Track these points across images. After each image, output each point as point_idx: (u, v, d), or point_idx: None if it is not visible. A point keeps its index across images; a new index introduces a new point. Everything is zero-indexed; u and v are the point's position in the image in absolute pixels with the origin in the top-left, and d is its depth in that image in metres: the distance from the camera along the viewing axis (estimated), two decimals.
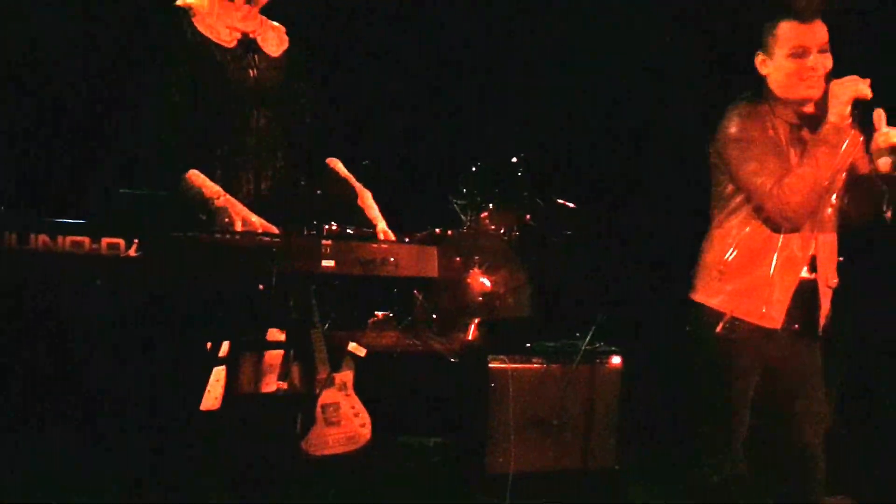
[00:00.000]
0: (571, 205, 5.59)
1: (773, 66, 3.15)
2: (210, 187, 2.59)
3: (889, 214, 3.06)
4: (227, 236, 2.35)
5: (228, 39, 2.73)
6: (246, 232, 2.47)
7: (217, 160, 2.69)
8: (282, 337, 2.76)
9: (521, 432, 4.52)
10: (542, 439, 4.55)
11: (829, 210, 3.20)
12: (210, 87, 2.67)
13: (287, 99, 2.81)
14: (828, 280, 3.21)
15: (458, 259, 5.26)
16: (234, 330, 2.52)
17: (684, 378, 3.37)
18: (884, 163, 2.94)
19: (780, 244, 3.14)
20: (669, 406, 4.37)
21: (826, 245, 3.22)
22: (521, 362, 4.62)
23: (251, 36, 2.76)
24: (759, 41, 3.21)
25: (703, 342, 3.24)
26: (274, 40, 2.82)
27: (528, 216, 5.41)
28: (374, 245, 2.43)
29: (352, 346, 3.91)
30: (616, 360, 4.76)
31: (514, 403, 4.53)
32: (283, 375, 2.75)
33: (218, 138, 2.70)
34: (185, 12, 2.71)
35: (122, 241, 2.22)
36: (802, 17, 3.08)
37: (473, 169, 5.36)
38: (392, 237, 2.69)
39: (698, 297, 3.27)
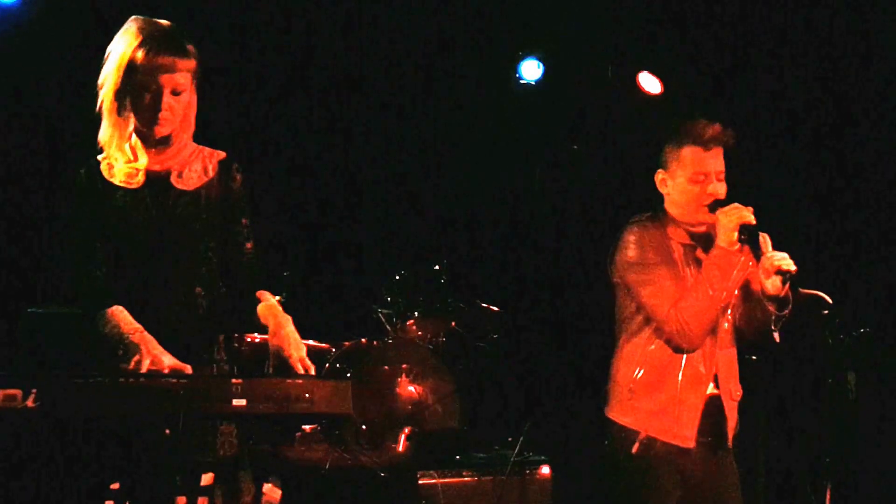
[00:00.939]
0: (496, 308, 5.63)
1: (674, 188, 3.26)
2: (129, 324, 2.58)
3: (777, 336, 3.14)
4: (131, 380, 2.28)
5: (132, 181, 2.72)
6: (151, 373, 2.41)
7: (132, 295, 2.67)
8: (209, 480, 2.65)
9: None
10: None
11: (727, 325, 3.29)
12: (118, 228, 2.72)
13: (210, 232, 2.78)
14: (731, 394, 3.28)
15: (385, 368, 5.29)
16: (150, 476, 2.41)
17: (608, 495, 3.39)
18: (772, 284, 3.05)
19: (683, 363, 3.20)
20: None
21: (726, 360, 3.30)
22: (451, 476, 4.54)
23: (163, 174, 2.76)
24: (657, 160, 3.29)
25: (621, 459, 3.25)
26: (193, 174, 2.80)
27: (453, 322, 5.46)
28: (289, 381, 2.36)
29: (266, 487, 3.80)
30: (545, 469, 4.72)
31: None
32: None
33: (133, 275, 2.71)
34: (97, 164, 2.76)
35: (19, 392, 2.14)
36: (707, 144, 3.20)
37: (397, 277, 5.36)
38: (311, 367, 2.62)
39: (612, 414, 3.31)
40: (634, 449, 3.18)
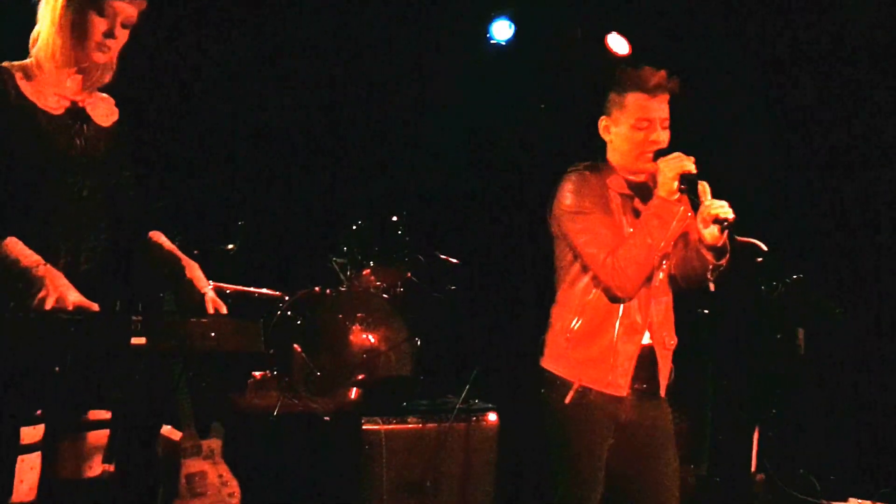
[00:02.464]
0: (454, 260, 5.63)
1: (617, 134, 3.25)
2: (28, 256, 2.46)
3: (712, 286, 3.15)
4: (19, 314, 2.26)
5: (55, 106, 2.64)
6: (45, 311, 2.35)
7: (35, 228, 2.55)
8: (106, 416, 2.66)
9: (394, 497, 4.45)
10: (416, 501, 4.48)
11: (661, 275, 3.28)
12: (31, 152, 2.56)
13: (113, 171, 2.74)
14: (665, 343, 3.28)
15: (339, 317, 5.30)
16: (47, 413, 2.42)
17: (541, 445, 3.40)
18: (710, 233, 3.05)
19: (620, 312, 3.21)
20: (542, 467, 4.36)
21: (661, 309, 3.29)
22: (395, 423, 4.56)
23: (80, 105, 2.69)
24: (601, 107, 3.28)
25: (555, 408, 3.26)
26: (104, 110, 2.75)
27: (409, 273, 5.47)
28: (192, 320, 2.36)
29: (165, 429, 3.83)
30: (492, 416, 4.73)
31: (387, 466, 4.46)
32: (110, 457, 2.64)
33: (38, 206, 2.58)
34: (10, 74, 2.61)
35: None
36: (652, 91, 3.18)
37: (353, 227, 5.36)
38: (222, 306, 2.62)
39: (548, 364, 3.31)
40: (568, 399, 3.20)
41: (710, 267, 3.10)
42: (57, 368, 2.22)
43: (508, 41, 6.03)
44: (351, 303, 5.20)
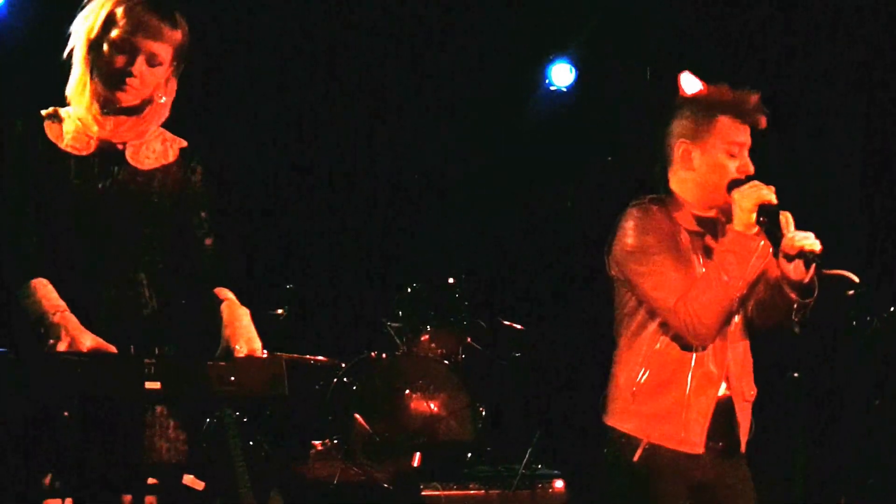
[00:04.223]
0: (518, 326, 5.52)
1: (703, 161, 2.93)
2: (51, 300, 2.36)
3: (798, 328, 2.89)
4: (31, 356, 2.15)
5: (82, 147, 2.55)
6: (53, 353, 2.23)
7: (62, 273, 2.44)
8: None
9: None
10: None
11: (737, 318, 2.98)
12: (55, 191, 2.48)
13: (159, 219, 2.63)
14: (744, 394, 2.97)
15: (396, 383, 5.19)
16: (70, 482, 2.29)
17: None
18: (794, 269, 2.74)
19: (693, 362, 2.88)
20: None
21: (738, 358, 2.97)
22: (456, 489, 4.39)
23: (117, 146, 2.60)
24: (667, 132, 3.02)
25: (622, 470, 2.93)
26: (152, 153, 2.64)
27: (469, 338, 5.34)
28: (210, 363, 2.24)
29: (187, 479, 3.69)
30: (559, 484, 4.52)
31: None
32: None
33: (64, 251, 2.47)
34: (39, 118, 2.55)
35: None
36: (744, 115, 2.89)
37: (409, 290, 5.27)
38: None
39: (612, 421, 2.98)
40: (636, 457, 2.86)
41: (796, 307, 2.79)
42: (66, 413, 2.11)
43: (569, 86, 5.83)
44: (409, 368, 5.10)
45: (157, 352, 2.20)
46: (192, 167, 2.66)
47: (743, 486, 2.99)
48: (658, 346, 2.91)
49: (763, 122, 2.93)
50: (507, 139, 5.97)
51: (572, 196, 5.99)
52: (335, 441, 4.94)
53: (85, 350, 2.24)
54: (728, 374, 2.92)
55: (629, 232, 2.93)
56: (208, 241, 2.66)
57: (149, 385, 2.11)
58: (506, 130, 5.96)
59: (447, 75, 5.77)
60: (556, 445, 4.79)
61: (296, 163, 5.66)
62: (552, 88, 5.88)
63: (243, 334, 2.46)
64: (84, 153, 2.54)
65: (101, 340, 2.29)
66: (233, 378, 2.21)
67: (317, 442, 5.00)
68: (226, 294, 2.58)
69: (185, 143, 2.69)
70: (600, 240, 5.51)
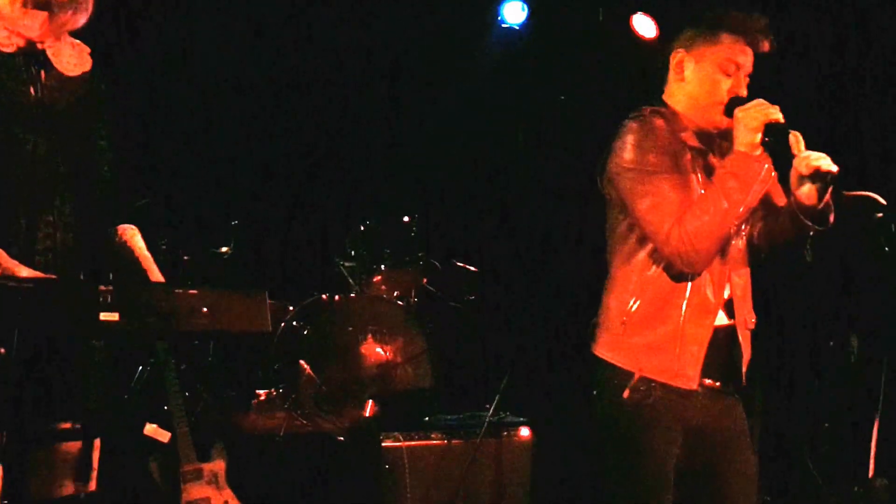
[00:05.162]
0: (473, 268, 5.26)
1: (696, 73, 2.73)
2: None
3: (810, 256, 2.65)
4: None
5: (6, 43, 2.22)
6: None
7: None
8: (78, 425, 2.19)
9: None
10: None
11: (741, 243, 2.77)
12: None
13: (79, 133, 2.29)
14: (746, 322, 2.77)
15: (349, 327, 4.89)
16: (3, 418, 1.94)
17: (595, 451, 2.84)
18: (806, 193, 2.54)
19: (689, 290, 2.68)
20: (585, 483, 3.88)
21: (740, 284, 2.78)
22: (418, 439, 4.09)
23: (39, 47, 2.26)
24: (669, 44, 2.80)
25: (611, 404, 2.72)
26: (71, 58, 2.32)
27: (424, 280, 5.07)
28: (179, 291, 1.86)
29: (149, 428, 3.33)
30: (525, 431, 4.25)
31: (410, 487, 3.99)
32: (84, 474, 2.15)
33: None
34: None
35: None
36: (750, 38, 2.69)
37: (362, 228, 4.93)
38: None
39: (601, 351, 2.77)
40: (625, 394, 2.66)
41: (811, 234, 2.58)
42: (2, 350, 1.73)
43: (522, 24, 5.55)
44: (362, 311, 4.79)
45: (112, 277, 1.83)
46: (102, 75, 2.43)
47: (739, 427, 2.78)
48: (651, 272, 2.68)
49: (766, 46, 2.72)
50: (459, 77, 5.69)
51: (523, 135, 5.72)
52: (280, 390, 4.63)
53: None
54: (731, 302, 2.71)
55: (627, 147, 2.68)
56: (106, 168, 2.41)
57: (105, 316, 1.73)
58: (459, 69, 5.68)
59: (397, 16, 5.43)
60: (519, 391, 4.50)
61: (246, 95, 5.26)
62: (504, 26, 5.59)
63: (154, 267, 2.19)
64: (7, 49, 2.25)
65: (36, 273, 1.93)
66: (205, 310, 1.84)
67: (261, 392, 4.68)
68: (133, 236, 2.30)
69: (89, 50, 2.43)
70: (553, 180, 5.21)
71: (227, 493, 3.96)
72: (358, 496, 4.13)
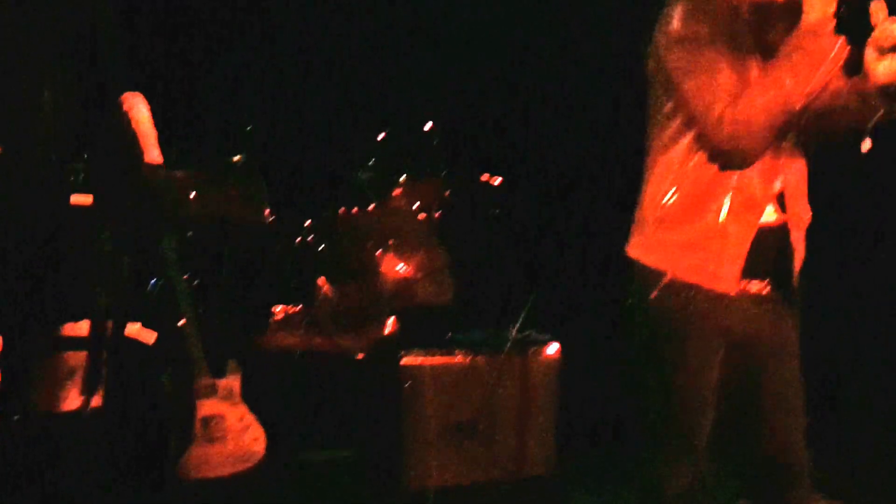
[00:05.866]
0: (498, 180, 4.97)
1: None
2: None
3: (868, 144, 2.37)
4: None
5: None
6: None
7: None
8: (83, 332, 2.00)
9: (443, 439, 3.84)
10: (467, 446, 3.87)
11: (796, 131, 2.48)
12: None
13: None
14: (800, 219, 2.51)
15: (368, 242, 4.73)
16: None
17: (626, 366, 2.62)
18: (885, 69, 2.20)
19: (734, 182, 2.40)
20: (617, 401, 3.70)
21: (794, 176, 2.50)
22: (439, 356, 3.92)
23: None
24: None
25: (642, 315, 2.49)
26: None
27: (447, 193, 4.81)
28: (166, 172, 1.65)
29: (132, 328, 3.15)
30: (552, 348, 4.08)
31: (432, 406, 3.84)
32: (90, 387, 1.98)
33: None
34: None
35: None
36: None
37: (380, 137, 4.69)
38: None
39: (635, 251, 2.52)
40: (653, 294, 2.42)
41: (879, 116, 2.27)
42: None
43: None
44: (381, 225, 4.61)
45: (85, 156, 1.62)
46: None
47: (788, 338, 2.53)
48: (693, 161, 2.40)
49: None
50: None
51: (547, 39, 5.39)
52: (298, 308, 4.47)
53: None
54: (781, 197, 2.44)
55: (677, 16, 2.36)
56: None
57: (76, 199, 1.53)
58: None
59: None
60: (546, 308, 4.31)
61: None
62: None
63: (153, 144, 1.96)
64: None
65: None
66: (195, 193, 1.64)
67: (277, 308, 4.51)
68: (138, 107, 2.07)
69: None
70: (585, 84, 4.90)
71: (243, 410, 3.82)
72: (377, 416, 3.98)
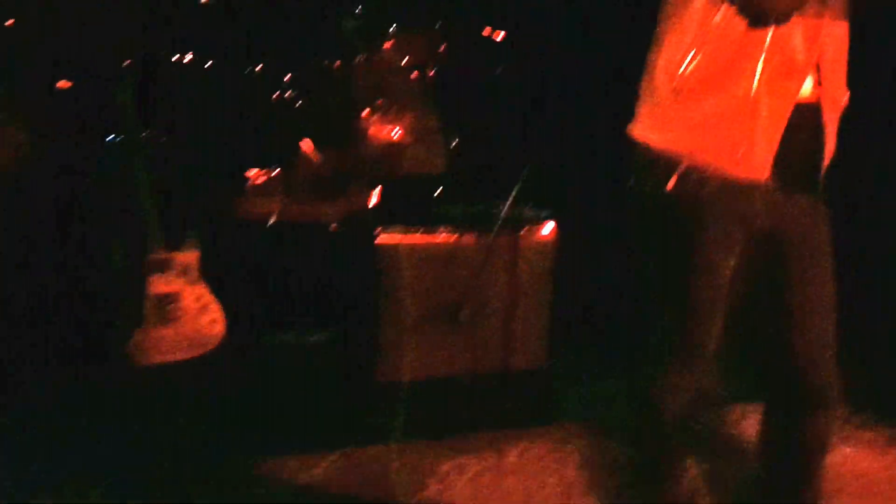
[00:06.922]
0: (500, 35, 4.65)
1: None
2: None
3: None
4: None
5: None
6: None
7: None
8: None
9: (421, 327, 3.55)
10: (448, 336, 3.58)
11: None
12: None
13: None
14: (836, 99, 2.15)
15: (352, 99, 4.40)
16: None
17: (631, 253, 2.36)
18: None
19: (767, 44, 2.02)
20: (617, 288, 3.44)
21: (836, 44, 2.11)
22: (420, 235, 3.57)
23: None
24: None
25: (652, 202, 2.18)
26: None
27: (443, 47, 4.50)
28: None
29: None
30: (547, 228, 3.77)
31: (410, 290, 3.53)
32: None
33: None
34: None
35: None
36: None
37: None
38: None
39: (642, 132, 2.19)
40: (669, 185, 2.10)
41: None
42: None
43: None
44: (368, 81, 4.29)
45: None
46: None
47: (818, 234, 2.21)
48: (718, 16, 2.02)
49: None
50: None
51: None
52: (276, 172, 4.17)
53: None
54: (818, 66, 2.06)
55: None
56: None
57: None
58: None
59: None
60: (544, 182, 3.95)
61: None
62: None
63: None
64: None
65: None
66: None
67: (252, 172, 4.20)
68: None
69: None
70: None
71: (201, 289, 3.54)
72: (351, 299, 3.67)
